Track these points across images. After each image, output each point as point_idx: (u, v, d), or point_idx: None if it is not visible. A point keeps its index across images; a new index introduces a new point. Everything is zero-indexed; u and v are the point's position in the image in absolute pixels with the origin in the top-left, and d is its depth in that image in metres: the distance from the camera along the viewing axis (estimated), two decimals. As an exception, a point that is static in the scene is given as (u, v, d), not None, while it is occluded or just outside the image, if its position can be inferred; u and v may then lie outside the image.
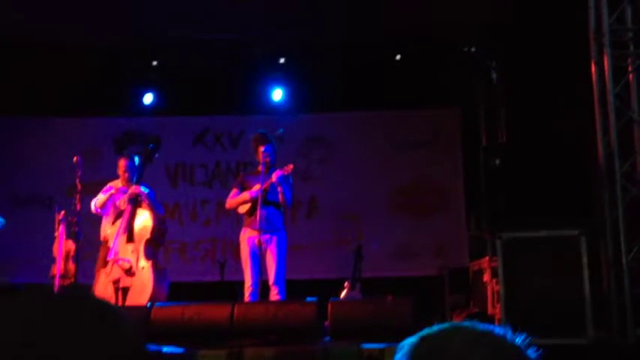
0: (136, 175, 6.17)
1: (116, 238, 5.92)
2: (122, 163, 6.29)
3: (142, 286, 5.76)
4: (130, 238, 5.94)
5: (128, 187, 6.17)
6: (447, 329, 1.13)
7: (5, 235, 8.12)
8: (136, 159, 6.28)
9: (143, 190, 6.08)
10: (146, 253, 5.89)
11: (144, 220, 6.00)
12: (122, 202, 6.09)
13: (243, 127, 8.71)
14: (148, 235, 5.94)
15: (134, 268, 5.82)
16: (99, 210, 6.20)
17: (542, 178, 6.60)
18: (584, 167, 5.56)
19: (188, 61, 8.33)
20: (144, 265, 5.84)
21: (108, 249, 5.97)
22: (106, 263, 5.92)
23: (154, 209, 6.09)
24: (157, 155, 6.31)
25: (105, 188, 6.29)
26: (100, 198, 6.21)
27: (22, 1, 6.87)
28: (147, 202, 6.05)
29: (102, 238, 6.21)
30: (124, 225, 5.95)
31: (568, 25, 6.13)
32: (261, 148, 6.13)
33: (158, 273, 5.91)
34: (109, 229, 6.11)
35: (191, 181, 8.78)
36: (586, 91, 5.33)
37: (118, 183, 6.32)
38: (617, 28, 5.01)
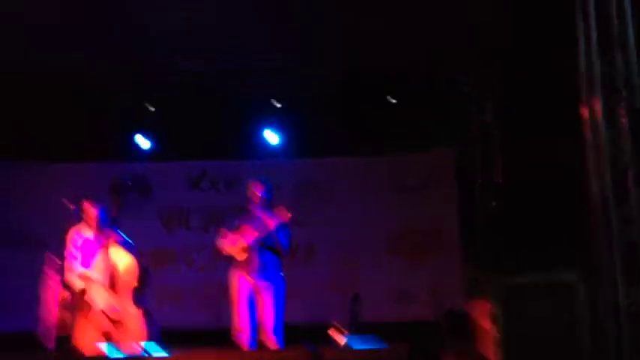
0: (109, 223, 6.04)
1: (100, 288, 5.78)
2: (93, 211, 6.10)
3: (135, 336, 5.67)
4: (114, 287, 5.82)
5: (99, 234, 6.00)
6: None
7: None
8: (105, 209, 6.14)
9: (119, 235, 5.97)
10: (135, 301, 5.81)
11: (127, 266, 5.89)
12: (99, 254, 5.92)
13: (239, 172, 8.72)
14: (134, 283, 5.85)
15: (124, 318, 5.72)
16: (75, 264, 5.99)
17: (538, 217, 6.60)
18: (581, 207, 5.56)
19: (184, 105, 8.38)
20: (134, 313, 5.75)
21: (85, 299, 5.77)
22: (87, 313, 5.76)
23: (133, 254, 5.99)
24: (141, 201, 6.21)
25: (74, 237, 6.06)
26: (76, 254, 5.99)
27: (17, 44, 6.89)
28: (126, 247, 5.96)
29: (68, 282, 5.99)
30: (108, 274, 5.81)
31: (561, 68, 6.19)
32: (258, 193, 6.15)
33: (149, 320, 5.83)
34: (86, 277, 5.89)
35: (186, 226, 8.75)
36: (581, 133, 5.36)
37: (84, 228, 6.13)
38: (609, 73, 5.04)
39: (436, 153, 8.69)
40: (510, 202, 7.56)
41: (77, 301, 5.91)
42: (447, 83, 8.23)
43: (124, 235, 6.10)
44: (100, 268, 5.85)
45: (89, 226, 6.07)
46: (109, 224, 6.02)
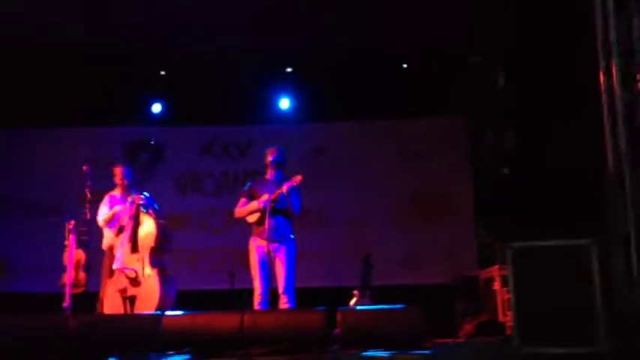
0: (136, 184, 6.19)
1: (121, 248, 5.95)
2: (118, 172, 6.32)
3: (149, 295, 5.81)
4: (135, 247, 5.99)
5: (128, 195, 6.18)
6: (457, 345, 1.17)
7: (18, 244, 8.21)
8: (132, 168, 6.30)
9: (144, 197, 6.10)
10: (151, 262, 5.93)
11: (147, 228, 6.04)
12: (125, 218, 6.09)
13: (251, 137, 8.77)
14: (152, 244, 5.98)
15: (140, 277, 5.85)
16: (105, 225, 6.24)
17: (550, 185, 6.61)
18: (594, 174, 5.56)
19: (196, 70, 8.38)
20: (149, 273, 5.88)
21: (113, 258, 5.99)
22: (112, 273, 5.96)
23: (158, 216, 6.12)
24: (156, 165, 6.35)
25: (107, 200, 6.28)
26: (105, 214, 6.23)
27: (32, 11, 6.91)
28: (150, 210, 6.08)
29: (105, 248, 6.23)
30: (128, 235, 5.98)
31: (575, 33, 6.14)
32: (271, 157, 6.17)
33: (164, 280, 5.94)
34: (112, 240, 6.14)
35: (200, 191, 8.82)
36: (594, 99, 5.34)
37: (117, 192, 6.34)
38: (626, 38, 5.01)
39: (448, 119, 8.68)
40: (522, 169, 7.58)
41: (105, 261, 6.08)
42: (460, 50, 8.19)
43: (149, 197, 6.18)
44: (127, 228, 5.97)
45: (119, 187, 6.27)
46: (135, 185, 6.15)
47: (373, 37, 7.69)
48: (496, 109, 8.32)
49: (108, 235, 6.26)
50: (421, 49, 8.04)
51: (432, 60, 8.25)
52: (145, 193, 6.18)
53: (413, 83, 8.38)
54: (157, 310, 5.63)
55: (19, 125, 8.65)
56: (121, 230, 6.06)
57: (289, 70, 8.61)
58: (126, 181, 6.27)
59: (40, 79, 8.16)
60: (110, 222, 6.25)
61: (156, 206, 6.22)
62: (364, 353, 4.55)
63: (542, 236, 4.79)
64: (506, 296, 6.15)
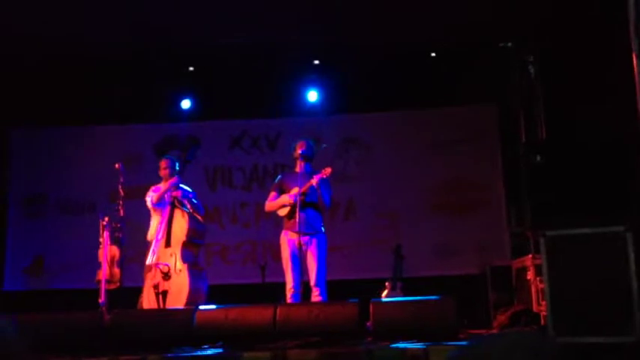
0: (177, 175, 6.22)
1: (156, 242, 6.01)
2: (163, 164, 6.34)
3: (179, 289, 5.85)
4: (168, 242, 6.03)
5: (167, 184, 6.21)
6: (491, 336, 1.15)
7: (54, 242, 8.36)
8: (176, 162, 6.33)
9: (182, 189, 6.14)
10: (182, 256, 5.97)
11: (180, 223, 6.08)
12: (162, 192, 6.11)
13: (280, 130, 8.79)
14: (183, 238, 6.01)
15: (171, 272, 5.90)
16: (155, 204, 6.21)
17: (584, 173, 6.50)
18: (627, 162, 5.46)
19: (224, 65, 8.42)
20: (180, 267, 5.92)
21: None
22: (150, 268, 6.02)
23: (195, 208, 6.16)
24: (195, 155, 6.37)
25: (151, 190, 6.33)
26: (154, 195, 6.24)
27: (63, 15, 6.99)
28: (187, 200, 6.12)
29: (149, 239, 6.26)
30: (163, 229, 6.03)
31: (607, 18, 6.03)
32: (300, 150, 6.17)
33: (195, 275, 5.98)
34: (152, 232, 6.19)
35: (230, 185, 8.87)
36: (627, 85, 5.23)
37: (162, 184, 6.39)
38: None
39: (479, 108, 8.59)
40: (554, 156, 7.46)
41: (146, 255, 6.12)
42: (491, 40, 8.09)
43: (187, 190, 6.22)
44: (163, 222, 6.04)
45: (164, 180, 6.26)
46: (178, 177, 6.15)
47: (402, 26, 7.62)
48: (528, 97, 8.21)
49: (153, 225, 6.25)
50: (451, 37, 7.95)
51: (463, 48, 8.16)
52: (185, 187, 6.22)
53: (442, 72, 8.30)
54: (187, 304, 5.68)
55: (53, 124, 8.80)
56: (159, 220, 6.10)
57: (317, 62, 8.59)
58: (168, 171, 6.23)
59: (73, 79, 8.27)
60: (160, 200, 6.18)
61: (195, 201, 6.24)
62: (397, 345, 4.53)
63: (577, 224, 4.73)
64: (540, 286, 6.08)
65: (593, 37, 6.58)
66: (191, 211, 6.11)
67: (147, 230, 6.25)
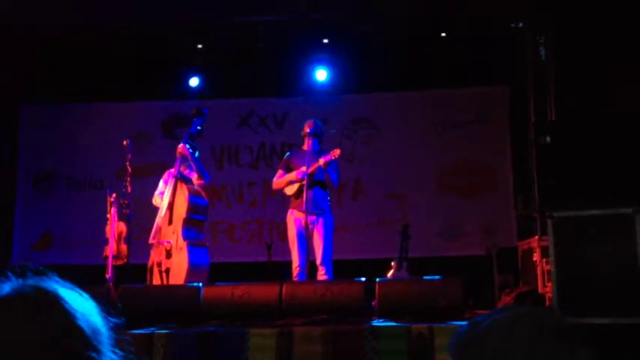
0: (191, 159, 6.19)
1: (160, 220, 6.00)
2: (179, 149, 6.21)
3: (179, 267, 5.85)
4: (171, 219, 6.02)
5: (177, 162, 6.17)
6: (493, 313, 1.14)
7: (62, 218, 8.39)
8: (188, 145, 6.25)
9: (188, 147, 6.10)
10: (183, 234, 5.95)
11: (181, 199, 6.06)
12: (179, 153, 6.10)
13: (288, 109, 8.76)
14: (183, 215, 5.99)
15: (173, 250, 5.90)
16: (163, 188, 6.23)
17: (593, 155, 6.46)
18: (637, 144, 5.43)
19: (232, 43, 8.38)
20: (181, 245, 5.92)
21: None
22: (154, 245, 6.02)
23: (200, 172, 6.12)
24: (200, 125, 6.31)
25: (165, 176, 6.30)
26: (157, 199, 6.21)
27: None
28: (193, 164, 6.10)
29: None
30: (166, 206, 6.01)
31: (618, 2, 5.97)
32: (308, 129, 6.16)
33: (194, 252, 5.96)
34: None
35: (237, 163, 8.86)
36: (638, 66, 5.20)
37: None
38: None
39: (489, 89, 8.53)
40: (565, 138, 7.42)
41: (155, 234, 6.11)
42: (502, 20, 8.01)
43: (198, 167, 6.18)
44: (167, 198, 6.04)
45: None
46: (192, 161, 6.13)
47: (411, 5, 7.55)
48: (539, 78, 8.14)
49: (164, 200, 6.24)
50: (461, 17, 7.88)
51: (473, 29, 8.08)
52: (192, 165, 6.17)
53: (453, 53, 8.24)
54: (186, 281, 5.68)
55: (61, 101, 8.81)
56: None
57: (326, 41, 8.54)
58: (186, 153, 6.18)
59: (81, 56, 8.27)
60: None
61: (200, 165, 6.20)
62: (402, 324, 4.54)
63: (585, 205, 4.71)
64: (546, 267, 6.07)
65: (605, 18, 6.51)
66: (196, 172, 6.08)
67: (154, 208, 6.25)
